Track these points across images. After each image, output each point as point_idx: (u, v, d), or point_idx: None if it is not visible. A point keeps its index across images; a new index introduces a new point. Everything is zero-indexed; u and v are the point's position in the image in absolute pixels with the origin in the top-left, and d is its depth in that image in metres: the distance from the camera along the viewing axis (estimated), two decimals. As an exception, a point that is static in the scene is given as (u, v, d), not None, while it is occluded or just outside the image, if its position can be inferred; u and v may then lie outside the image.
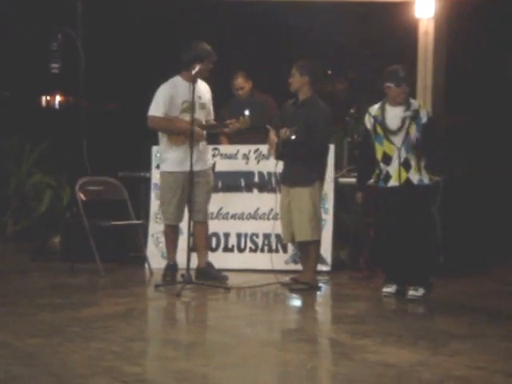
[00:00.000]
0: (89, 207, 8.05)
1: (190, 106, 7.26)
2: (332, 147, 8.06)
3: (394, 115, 6.92)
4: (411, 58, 9.36)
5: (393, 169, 6.92)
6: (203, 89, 7.53)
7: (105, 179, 8.37)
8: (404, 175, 6.89)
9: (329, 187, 8.13)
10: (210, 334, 5.91)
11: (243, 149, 8.41)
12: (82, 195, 8.14)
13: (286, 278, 7.46)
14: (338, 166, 8.28)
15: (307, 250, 7.34)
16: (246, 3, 9.87)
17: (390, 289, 7.02)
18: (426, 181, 6.93)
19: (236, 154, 8.42)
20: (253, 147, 8.37)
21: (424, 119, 6.91)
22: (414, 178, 6.90)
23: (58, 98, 13.80)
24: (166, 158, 7.55)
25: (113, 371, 4.74)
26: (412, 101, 7.03)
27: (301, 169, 7.25)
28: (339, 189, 8.26)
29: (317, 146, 7.23)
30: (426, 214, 6.99)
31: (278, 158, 7.41)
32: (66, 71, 8.68)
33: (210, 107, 7.67)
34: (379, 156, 6.97)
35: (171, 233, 7.67)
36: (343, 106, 9.14)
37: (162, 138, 7.57)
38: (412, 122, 6.90)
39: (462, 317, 6.29)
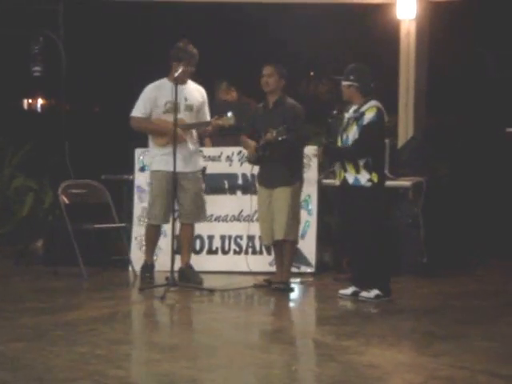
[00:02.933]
0: (72, 210, 8.02)
1: (174, 107, 7.25)
2: (315, 148, 8.08)
3: (347, 115, 6.96)
4: (393, 60, 9.40)
5: (337, 167, 7.00)
6: (193, 91, 7.49)
7: (88, 182, 8.35)
8: (342, 174, 6.92)
9: (312, 189, 8.15)
10: (195, 336, 5.91)
11: (226, 151, 8.41)
12: (64, 198, 8.11)
13: (260, 280, 7.47)
14: (321, 168, 8.29)
15: (283, 251, 7.34)
16: (227, 5, 9.90)
17: (345, 291, 6.96)
18: (364, 181, 6.81)
19: (219, 157, 8.42)
20: (236, 149, 8.36)
21: (365, 121, 6.81)
22: (350, 177, 6.86)
23: (40, 101, 13.75)
24: (154, 158, 7.57)
25: (97, 375, 4.73)
26: (369, 102, 6.87)
27: (282, 170, 7.25)
28: (323, 190, 8.27)
29: (302, 144, 7.28)
30: (367, 216, 6.80)
31: (255, 162, 7.41)
32: (47, 74, 8.65)
33: (203, 110, 7.60)
34: None
35: (152, 233, 7.65)
36: (326, 108, 9.15)
37: (150, 139, 7.59)
38: (353, 123, 6.86)
39: (445, 317, 6.31)
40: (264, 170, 7.42)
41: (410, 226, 8.14)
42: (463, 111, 11.59)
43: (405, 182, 8.20)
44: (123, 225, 8.23)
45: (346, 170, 6.88)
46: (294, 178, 7.29)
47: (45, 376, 4.72)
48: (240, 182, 8.35)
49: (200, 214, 7.63)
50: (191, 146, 7.50)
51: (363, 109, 6.85)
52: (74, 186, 8.26)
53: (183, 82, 7.41)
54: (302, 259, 8.04)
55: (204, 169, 8.05)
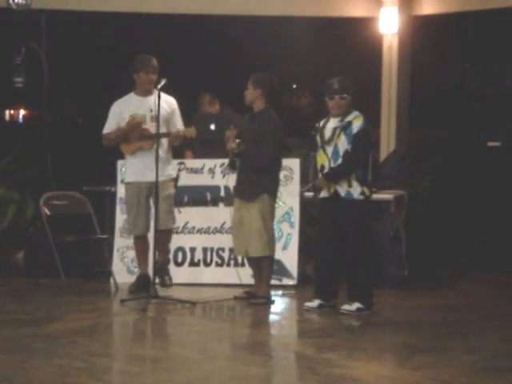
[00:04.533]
0: (53, 222, 7.99)
1: (141, 119, 7.53)
2: (297, 162, 8.09)
3: (330, 125, 6.94)
4: (376, 73, 9.45)
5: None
6: (161, 102, 7.51)
7: (69, 194, 8.32)
8: (332, 187, 6.89)
9: (294, 201, 8.16)
10: (176, 348, 5.89)
11: (209, 163, 8.41)
12: (46, 210, 8.08)
13: (240, 292, 7.46)
14: (303, 180, 8.30)
15: (259, 265, 7.33)
16: (215, 19, 9.92)
17: (311, 303, 6.96)
18: (356, 195, 6.83)
19: (202, 169, 8.41)
20: (218, 161, 8.36)
21: (355, 130, 6.84)
22: (342, 190, 6.85)
23: (21, 112, 13.71)
24: (126, 170, 7.84)
25: (77, 387, 4.71)
26: (353, 112, 6.92)
27: (249, 182, 7.25)
28: (304, 203, 8.28)
29: (262, 160, 7.18)
30: (356, 229, 6.83)
31: (229, 169, 7.47)
32: (29, 85, 8.63)
33: (172, 120, 7.64)
34: (318, 166, 7.00)
35: (136, 244, 7.80)
36: (308, 121, 9.19)
37: (122, 151, 7.74)
38: (341, 133, 6.85)
39: (426, 330, 6.33)
40: (237, 181, 7.43)
41: (391, 239, 8.16)
42: (445, 125, 11.65)
43: (387, 195, 8.23)
44: (105, 236, 8.21)
45: (336, 183, 6.88)
46: (258, 191, 7.20)
47: (24, 388, 4.69)
48: (222, 194, 8.35)
49: (169, 220, 7.65)
50: (161, 155, 7.48)
51: (349, 118, 6.88)
52: (55, 197, 8.23)
53: (149, 93, 7.57)
54: (284, 271, 8.04)
55: (177, 177, 8.05)
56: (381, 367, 5.25)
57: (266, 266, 7.30)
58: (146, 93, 7.59)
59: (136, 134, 7.54)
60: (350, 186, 6.82)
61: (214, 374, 5.06)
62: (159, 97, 7.25)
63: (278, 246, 7.87)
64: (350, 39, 10.30)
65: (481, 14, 9.70)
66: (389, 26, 9.48)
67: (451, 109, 11.56)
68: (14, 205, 9.54)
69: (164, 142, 7.60)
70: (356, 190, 6.82)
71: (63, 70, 10.03)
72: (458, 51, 11.42)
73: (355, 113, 6.93)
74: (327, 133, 6.92)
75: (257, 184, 7.21)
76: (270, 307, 7.20)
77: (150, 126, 7.52)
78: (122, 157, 8.04)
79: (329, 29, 10.52)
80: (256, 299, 7.25)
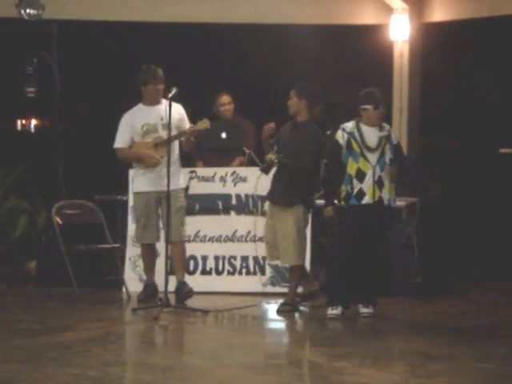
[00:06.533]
0: (65, 231, 8.01)
1: (152, 128, 7.60)
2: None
3: (371, 134, 6.98)
4: (386, 81, 9.43)
5: (367, 186, 6.94)
6: (164, 109, 7.47)
7: (81, 203, 8.34)
8: (378, 193, 6.93)
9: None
10: (188, 357, 5.88)
11: (220, 171, 8.41)
12: (58, 219, 8.10)
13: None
14: (314, 188, 8.28)
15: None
16: (226, 28, 9.94)
17: (336, 311, 6.98)
18: (393, 203, 7.04)
19: (213, 177, 8.41)
20: (230, 170, 8.38)
21: (395, 141, 7.09)
22: (385, 197, 6.95)
23: (33, 122, 13.73)
24: (134, 180, 7.85)
25: (89, 396, 4.71)
26: (384, 123, 7.13)
27: (285, 191, 7.28)
28: (316, 211, 8.26)
29: (301, 172, 7.21)
30: (385, 236, 7.10)
31: (263, 171, 7.50)
32: (41, 95, 8.66)
33: (182, 126, 7.67)
34: (353, 172, 6.96)
35: (144, 252, 7.86)
36: (321, 127, 9.17)
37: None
38: (387, 142, 7.00)
39: (439, 337, 6.30)
40: (272, 187, 7.45)
41: (403, 247, 8.14)
42: (456, 131, 11.63)
43: (399, 203, 8.19)
44: (117, 245, 8.22)
45: (381, 188, 6.93)
46: (294, 200, 7.24)
47: (37, 398, 4.70)
48: (234, 202, 8.35)
49: (182, 231, 7.66)
50: (172, 165, 7.49)
51: (387, 128, 7.08)
52: (67, 206, 8.25)
53: (157, 102, 7.64)
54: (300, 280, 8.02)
55: (187, 187, 8.06)
56: (393, 375, 5.23)
57: (295, 275, 7.36)
58: (155, 102, 7.65)
59: (151, 145, 7.59)
60: (391, 193, 6.99)
61: (226, 383, 5.05)
62: (170, 105, 7.28)
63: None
64: (361, 47, 10.29)
65: (491, 20, 9.68)
66: (400, 33, 9.48)
67: (463, 115, 11.53)
68: (26, 214, 9.58)
69: (174, 151, 7.61)
70: (393, 198, 7.05)
71: (75, 79, 10.04)
72: (469, 58, 11.40)
73: (385, 124, 7.14)
74: (371, 140, 6.95)
75: (293, 194, 7.23)
76: (294, 314, 7.20)
77: (163, 135, 7.57)
78: (133, 165, 8.04)
79: (339, 36, 10.51)
80: (282, 306, 7.26)
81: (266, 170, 7.48)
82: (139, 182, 7.74)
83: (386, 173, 6.94)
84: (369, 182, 6.94)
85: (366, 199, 6.94)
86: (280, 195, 7.33)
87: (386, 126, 7.11)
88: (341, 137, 7.02)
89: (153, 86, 7.63)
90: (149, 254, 7.81)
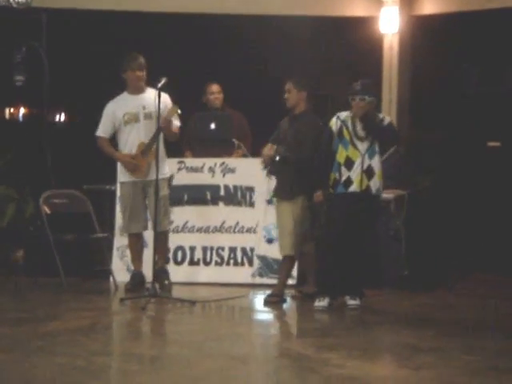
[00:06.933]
0: (53, 220, 7.99)
1: (133, 117, 7.60)
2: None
3: (361, 126, 6.98)
4: (376, 73, 9.43)
5: (355, 174, 6.96)
6: (152, 99, 7.46)
7: (69, 192, 8.32)
8: (365, 182, 6.94)
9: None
10: (174, 347, 5.88)
11: (209, 162, 8.41)
12: (46, 208, 8.08)
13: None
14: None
15: (306, 261, 7.44)
16: (215, 18, 9.91)
17: (322, 303, 6.99)
18: (381, 192, 7.06)
19: (202, 168, 8.41)
20: (218, 160, 8.37)
21: (386, 121, 7.04)
22: (374, 187, 6.95)
23: (22, 111, 13.68)
24: (120, 169, 7.84)
25: (76, 386, 4.71)
26: (380, 113, 7.19)
27: (285, 182, 7.30)
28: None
29: (302, 163, 7.21)
30: (374, 226, 7.10)
31: (268, 173, 7.47)
32: (30, 84, 8.63)
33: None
34: (342, 160, 6.99)
35: (131, 242, 7.85)
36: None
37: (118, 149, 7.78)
38: None
39: (426, 330, 6.32)
40: (276, 182, 7.48)
41: (391, 239, 8.16)
42: (445, 125, 11.64)
43: (387, 195, 8.21)
44: (105, 235, 8.20)
45: (371, 178, 6.92)
46: (294, 192, 7.25)
47: (23, 387, 4.69)
48: (222, 193, 8.35)
49: (165, 220, 7.64)
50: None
51: (379, 118, 7.06)
52: (55, 195, 8.23)
53: (141, 91, 7.63)
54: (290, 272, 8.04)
55: (171, 177, 8.04)
56: (381, 367, 5.25)
57: (285, 266, 7.36)
58: (138, 90, 7.65)
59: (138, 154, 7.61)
60: (380, 182, 6.98)
61: (213, 373, 5.06)
62: (159, 95, 7.24)
63: (277, 245, 7.89)
64: (351, 39, 10.29)
65: (481, 14, 9.69)
66: (389, 25, 9.48)
67: (451, 108, 11.54)
68: (14, 203, 9.55)
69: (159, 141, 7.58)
70: (382, 187, 7.04)
71: (64, 68, 10.01)
72: (458, 51, 11.41)
73: (381, 114, 7.22)
74: (360, 132, 6.97)
75: (293, 185, 7.24)
76: (281, 306, 7.21)
77: (144, 124, 7.55)
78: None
79: (329, 28, 10.50)
80: (269, 297, 7.26)
81: (270, 172, 7.43)
82: (124, 172, 7.75)
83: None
84: (357, 171, 6.95)
85: (353, 187, 6.95)
86: (281, 189, 7.35)
87: (380, 115, 7.12)
88: (334, 124, 7.05)
89: (131, 72, 7.61)
90: (136, 244, 7.80)
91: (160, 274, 7.50)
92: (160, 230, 7.51)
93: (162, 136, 7.66)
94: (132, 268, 7.98)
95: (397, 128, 7.33)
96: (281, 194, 7.37)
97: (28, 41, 8.59)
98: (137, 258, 7.81)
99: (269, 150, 7.26)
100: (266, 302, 7.26)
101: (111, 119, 7.70)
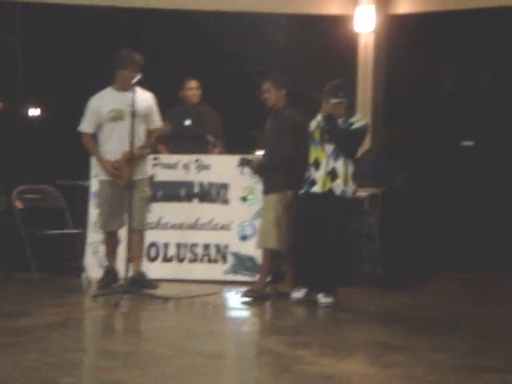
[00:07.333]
0: (26, 215, 7.95)
1: (118, 115, 7.45)
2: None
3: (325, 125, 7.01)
4: (351, 72, 9.46)
5: (319, 175, 7.01)
6: (138, 97, 7.44)
7: (42, 187, 8.28)
8: (328, 184, 6.97)
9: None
10: (147, 344, 5.87)
11: (183, 159, 8.39)
12: (18, 203, 8.03)
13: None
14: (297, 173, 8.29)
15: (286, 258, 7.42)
16: (193, 15, 9.89)
17: (298, 293, 7.06)
18: (349, 194, 7.00)
19: (176, 164, 8.39)
20: (193, 157, 8.35)
21: (353, 127, 7.01)
22: (338, 188, 6.97)
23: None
24: (101, 167, 7.63)
25: (48, 382, 4.68)
26: (356, 115, 7.16)
27: (267, 177, 7.36)
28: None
29: (276, 158, 7.25)
30: (341, 227, 7.02)
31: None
32: (3, 78, 8.57)
33: (150, 116, 7.63)
34: (311, 160, 7.07)
35: (107, 239, 7.75)
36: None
37: (99, 147, 7.61)
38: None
39: (398, 328, 6.35)
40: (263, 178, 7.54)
41: (365, 237, 8.19)
42: (419, 124, 11.71)
43: (361, 193, 8.25)
44: (78, 231, 8.17)
45: (334, 179, 6.93)
46: (274, 187, 7.27)
47: (-6, 383, 4.66)
48: (197, 189, 8.34)
49: (143, 220, 7.63)
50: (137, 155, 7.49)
51: (353, 120, 7.05)
52: (28, 190, 8.19)
53: (128, 89, 7.47)
54: (258, 268, 8.04)
55: (152, 176, 8.02)
56: (352, 365, 5.27)
57: (266, 262, 7.37)
58: (126, 88, 7.48)
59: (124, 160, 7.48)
60: (346, 184, 6.94)
61: (186, 370, 5.06)
62: (134, 91, 7.21)
63: (251, 243, 7.90)
64: (326, 37, 10.32)
65: (456, 14, 9.76)
66: (365, 24, 9.50)
67: (426, 108, 11.61)
68: (-14, 198, 9.48)
69: (140, 139, 7.54)
70: (351, 189, 7.00)
71: (38, 62, 9.95)
72: (433, 51, 11.48)
73: (358, 115, 7.20)
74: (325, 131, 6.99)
75: (273, 179, 7.27)
76: (257, 303, 7.20)
77: (128, 123, 7.42)
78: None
79: (305, 26, 10.52)
80: (247, 293, 7.25)
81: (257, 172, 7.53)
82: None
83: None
84: (321, 172, 7.00)
85: (316, 188, 7.03)
86: (264, 183, 7.40)
87: (353, 118, 7.06)
88: (312, 125, 7.11)
89: (130, 71, 7.44)
90: (112, 241, 7.75)
91: (139, 277, 7.45)
92: (138, 228, 7.48)
93: (143, 135, 7.57)
94: (105, 264, 7.94)
95: (367, 132, 7.21)
96: (265, 187, 7.39)
97: (2, 35, 8.53)
98: (111, 254, 7.77)
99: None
100: (244, 298, 7.23)
101: (95, 115, 7.53)
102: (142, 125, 7.51)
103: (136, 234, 7.51)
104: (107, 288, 7.49)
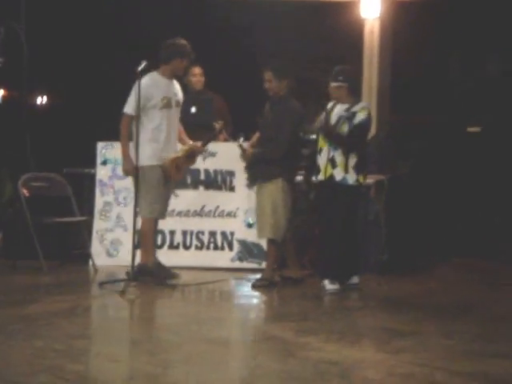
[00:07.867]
0: (32, 203, 7.95)
1: (167, 103, 7.30)
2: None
3: (336, 112, 7.02)
4: (357, 58, 9.43)
5: (322, 162, 7.04)
6: (177, 86, 7.47)
7: (49, 175, 8.28)
8: (329, 171, 6.98)
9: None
10: (155, 331, 5.88)
11: (189, 146, 8.37)
12: (25, 191, 8.04)
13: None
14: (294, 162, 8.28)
15: (287, 246, 7.44)
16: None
17: (335, 286, 7.07)
18: (351, 181, 6.98)
19: (182, 151, 8.37)
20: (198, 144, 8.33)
21: (357, 120, 6.97)
22: (338, 175, 6.97)
23: (1, 93, 13.60)
24: (143, 152, 7.20)
25: (55, 369, 4.69)
26: (360, 103, 7.13)
27: (263, 166, 7.29)
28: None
29: (275, 150, 7.21)
30: (344, 214, 6.98)
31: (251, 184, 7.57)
32: (9, 65, 8.56)
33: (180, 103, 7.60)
34: (318, 148, 7.11)
35: (150, 227, 7.39)
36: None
37: (140, 133, 7.17)
38: (345, 122, 6.97)
39: (405, 314, 6.35)
40: (252, 165, 7.46)
41: (371, 224, 8.18)
42: (426, 110, 11.67)
43: (367, 180, 8.23)
44: (84, 218, 8.18)
45: (334, 167, 6.93)
46: (270, 174, 7.24)
47: (2, 370, 4.67)
48: (202, 177, 8.33)
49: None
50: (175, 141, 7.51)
51: (355, 109, 7.01)
52: (34, 178, 8.19)
53: (173, 78, 7.45)
54: (265, 255, 8.04)
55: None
56: (359, 351, 5.26)
57: (270, 251, 7.35)
58: (172, 77, 7.40)
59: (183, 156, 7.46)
60: (346, 172, 6.93)
61: (194, 357, 5.06)
62: (140, 79, 7.17)
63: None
64: (332, 23, 10.28)
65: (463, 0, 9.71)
66: (371, 10, 9.46)
67: (433, 94, 11.58)
68: (-8, 186, 9.49)
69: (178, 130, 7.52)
70: (352, 178, 6.96)
71: (44, 50, 9.94)
72: (440, 37, 11.43)
73: (362, 104, 7.16)
74: (333, 119, 7.02)
75: (271, 168, 7.22)
76: (271, 290, 7.20)
77: (176, 111, 7.37)
78: (102, 138, 7.99)
79: (310, 13, 10.48)
80: (258, 281, 7.25)
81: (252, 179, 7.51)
82: (152, 155, 7.28)
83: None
84: (324, 159, 7.02)
85: (320, 176, 7.06)
86: (260, 172, 7.33)
87: (357, 107, 7.02)
88: (322, 114, 7.11)
89: (186, 62, 7.39)
90: (155, 231, 7.52)
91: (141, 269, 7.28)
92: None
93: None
94: (112, 252, 7.91)
95: (369, 125, 7.14)
96: (261, 176, 7.35)
97: (7, 22, 8.51)
98: (154, 246, 7.48)
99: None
100: (255, 286, 7.24)
101: (146, 98, 7.20)
102: (178, 114, 7.50)
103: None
104: (163, 284, 7.20)
